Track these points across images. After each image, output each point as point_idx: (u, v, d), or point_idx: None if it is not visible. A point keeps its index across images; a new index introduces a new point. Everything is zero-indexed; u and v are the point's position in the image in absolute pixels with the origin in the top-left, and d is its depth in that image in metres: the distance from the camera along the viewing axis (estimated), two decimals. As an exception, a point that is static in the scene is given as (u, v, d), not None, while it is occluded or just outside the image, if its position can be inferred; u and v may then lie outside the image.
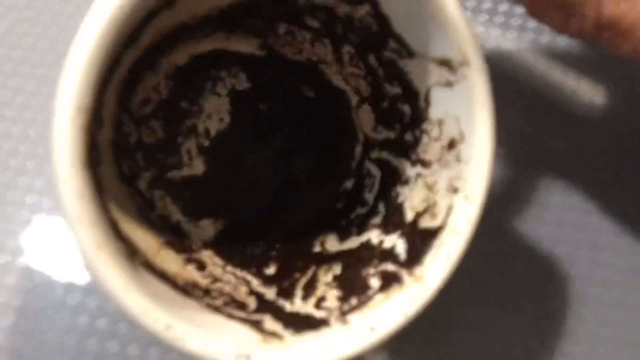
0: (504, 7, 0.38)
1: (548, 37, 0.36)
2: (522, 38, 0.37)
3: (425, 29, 0.23)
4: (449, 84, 0.23)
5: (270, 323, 0.23)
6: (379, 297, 0.23)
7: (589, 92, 0.36)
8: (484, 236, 0.33)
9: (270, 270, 0.28)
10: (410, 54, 0.25)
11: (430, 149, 0.25)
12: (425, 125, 0.26)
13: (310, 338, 0.22)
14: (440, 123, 0.25)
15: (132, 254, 0.22)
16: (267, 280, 0.27)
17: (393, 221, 0.27)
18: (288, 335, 0.22)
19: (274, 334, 0.22)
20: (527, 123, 0.36)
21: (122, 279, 0.19)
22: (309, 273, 0.27)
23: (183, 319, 0.20)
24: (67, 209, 0.18)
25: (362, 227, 0.28)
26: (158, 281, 0.23)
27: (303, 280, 0.27)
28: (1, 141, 0.35)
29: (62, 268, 0.32)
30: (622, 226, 0.34)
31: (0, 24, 0.37)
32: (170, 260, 0.26)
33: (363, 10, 0.25)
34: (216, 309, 0.23)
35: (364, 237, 0.28)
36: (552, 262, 0.33)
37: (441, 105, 0.24)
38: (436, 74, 0.24)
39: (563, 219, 0.34)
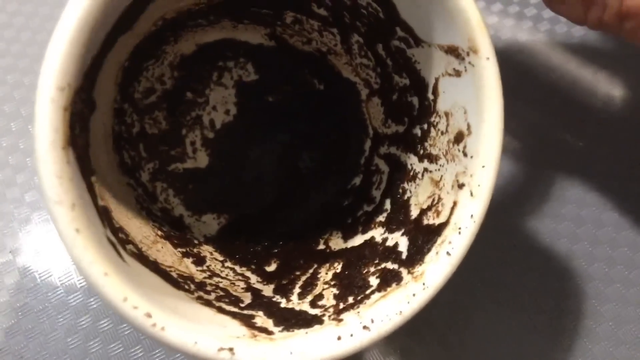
0: None
1: (564, 27, 0.34)
2: (538, 28, 0.35)
3: (432, 15, 0.22)
4: (457, 73, 0.22)
5: (261, 319, 0.22)
6: (376, 296, 0.22)
7: (607, 85, 0.35)
8: (499, 233, 0.32)
9: (271, 267, 0.27)
10: (418, 42, 0.24)
11: (438, 142, 0.24)
12: (433, 118, 0.24)
13: (300, 335, 0.21)
14: (447, 115, 0.23)
15: (122, 242, 0.21)
16: (267, 277, 0.27)
17: (398, 218, 0.25)
18: (277, 331, 0.21)
19: (263, 330, 0.21)
20: (543, 117, 0.34)
21: (102, 264, 0.18)
22: (310, 271, 0.26)
23: (167, 309, 0.19)
24: (46, 189, 0.18)
25: (367, 225, 0.27)
26: (148, 271, 0.22)
27: (303, 278, 0.26)
28: (18, 141, 0.34)
29: (64, 268, 0.32)
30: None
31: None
32: (166, 253, 0.25)
33: (369, -5, 0.24)
34: (207, 303, 0.22)
35: (368, 235, 0.27)
36: (570, 260, 0.32)
37: (449, 96, 0.23)
38: (444, 63, 0.23)
39: (581, 216, 0.33)
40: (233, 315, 0.22)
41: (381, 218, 0.27)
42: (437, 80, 0.24)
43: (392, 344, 0.31)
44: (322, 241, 0.28)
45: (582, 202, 0.33)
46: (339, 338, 0.20)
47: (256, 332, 0.21)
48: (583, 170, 0.34)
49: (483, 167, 0.21)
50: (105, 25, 0.20)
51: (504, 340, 0.31)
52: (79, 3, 0.18)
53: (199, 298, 0.23)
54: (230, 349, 0.19)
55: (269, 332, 0.21)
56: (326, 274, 0.26)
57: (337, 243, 0.27)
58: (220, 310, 0.22)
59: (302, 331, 0.21)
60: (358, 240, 0.27)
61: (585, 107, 0.34)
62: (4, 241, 0.32)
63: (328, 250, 0.27)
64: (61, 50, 0.18)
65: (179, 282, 0.23)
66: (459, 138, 0.23)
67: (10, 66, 0.35)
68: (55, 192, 0.18)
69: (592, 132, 0.34)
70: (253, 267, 0.27)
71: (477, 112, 0.22)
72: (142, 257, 0.23)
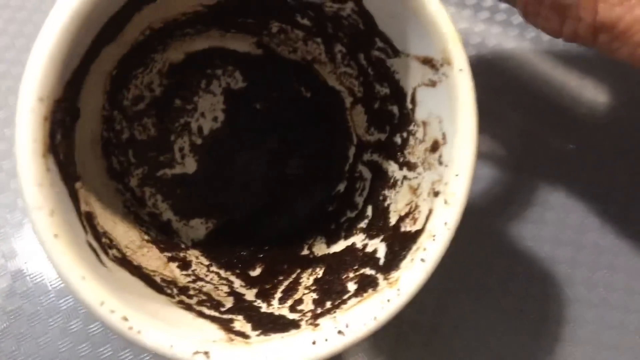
0: (505, 4, 0.37)
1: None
2: (524, 36, 0.36)
3: (407, 27, 0.22)
4: (432, 84, 0.23)
5: (240, 323, 0.23)
6: (353, 301, 0.23)
7: (592, 92, 0.35)
8: (483, 238, 0.33)
9: (255, 272, 0.28)
10: (396, 52, 0.24)
11: (416, 151, 0.25)
12: (411, 127, 0.25)
13: (276, 339, 0.21)
14: (424, 124, 0.24)
15: (104, 247, 0.22)
16: (250, 282, 0.27)
17: (378, 225, 0.26)
18: (254, 335, 0.22)
19: (240, 334, 0.22)
20: (529, 122, 0.35)
21: (80, 269, 0.19)
22: (293, 276, 0.27)
23: (145, 313, 0.20)
24: (26, 196, 0.18)
25: (349, 231, 0.28)
26: (130, 276, 0.23)
27: (285, 283, 0.26)
28: (12, 147, 0.34)
29: (55, 272, 0.32)
30: (624, 228, 0.33)
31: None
32: (151, 257, 0.26)
33: (348, 7, 0.24)
34: (187, 307, 0.23)
35: (349, 241, 0.27)
36: (553, 265, 0.33)
37: (426, 105, 0.24)
38: (420, 73, 0.23)
39: (564, 221, 0.34)
40: (212, 319, 0.23)
41: (362, 224, 0.27)
42: (414, 90, 0.24)
43: (378, 347, 0.32)
44: (306, 246, 0.29)
45: (565, 207, 0.34)
46: (313, 342, 0.21)
47: (233, 336, 0.21)
48: (567, 176, 0.34)
49: (457, 175, 0.22)
50: (87, 37, 0.20)
51: (488, 343, 0.31)
52: (58, 16, 0.19)
53: (180, 302, 0.23)
54: (206, 353, 0.20)
55: (245, 336, 0.22)
56: (308, 279, 0.26)
57: (320, 248, 0.28)
58: (200, 314, 0.23)
59: (279, 335, 0.22)
60: (340, 246, 0.27)
61: (571, 113, 0.35)
62: (-1, 247, 0.33)
63: (311, 256, 0.28)
64: (41, 62, 0.18)
65: (162, 287, 0.24)
66: (434, 147, 0.23)
67: (3, 73, 0.36)
68: (34, 198, 0.18)
69: (576, 137, 0.35)
70: (238, 271, 0.28)
71: (451, 121, 0.22)
72: (125, 262, 0.23)
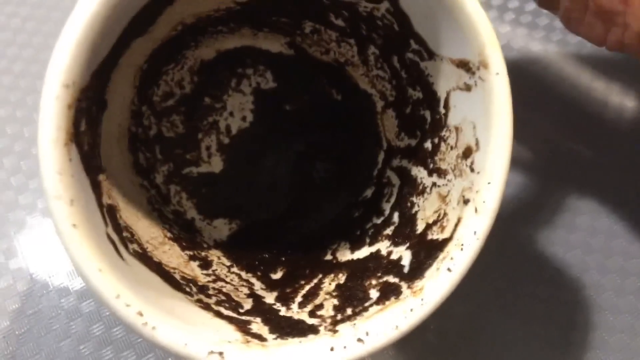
0: (531, 5, 0.36)
1: (577, 37, 0.34)
2: (550, 38, 0.35)
3: (444, 29, 0.22)
4: (467, 88, 0.22)
5: (258, 325, 0.22)
6: (374, 309, 0.22)
7: (619, 96, 0.34)
8: (512, 243, 0.32)
9: (277, 275, 0.27)
10: (430, 55, 0.23)
11: (447, 157, 0.24)
12: (443, 132, 0.24)
13: (293, 344, 0.21)
14: (457, 130, 0.23)
15: (124, 241, 0.22)
16: (271, 285, 0.27)
17: (404, 232, 0.25)
18: (271, 338, 0.21)
19: (257, 336, 0.21)
20: (556, 126, 0.34)
21: (97, 261, 0.18)
22: (315, 281, 0.26)
23: (162, 309, 0.20)
24: (46, 184, 0.18)
25: (374, 238, 0.27)
26: (149, 272, 0.22)
27: (306, 288, 0.26)
28: (13, 143, 0.34)
29: (77, 275, 0.32)
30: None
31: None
32: (172, 255, 0.25)
33: (383, 7, 0.24)
34: (206, 306, 0.23)
35: (374, 248, 0.26)
36: (583, 271, 0.32)
37: (459, 110, 0.23)
38: (455, 76, 0.22)
39: (594, 227, 0.33)
40: (229, 320, 0.22)
41: (388, 231, 0.26)
42: (448, 94, 0.23)
43: (404, 354, 0.31)
44: (329, 251, 0.28)
45: (595, 212, 0.33)
46: (331, 349, 0.20)
47: (249, 338, 0.21)
48: (596, 181, 0.33)
49: (489, 183, 0.21)
50: (117, 27, 0.20)
51: (516, 351, 0.31)
52: (87, 5, 0.18)
53: (199, 301, 0.23)
54: (220, 353, 0.19)
55: (262, 339, 0.21)
56: (329, 284, 0.25)
57: (344, 254, 0.27)
58: (218, 314, 0.22)
59: (296, 340, 0.21)
60: (364, 252, 0.27)
61: (598, 117, 0.34)
62: (17, 247, 0.32)
63: (334, 261, 0.27)
64: (68, 49, 0.18)
65: (181, 284, 0.23)
66: (467, 153, 0.22)
67: (21, 72, 0.36)
68: (54, 187, 0.18)
69: (604, 142, 0.34)
70: (259, 273, 0.27)
71: (485, 127, 0.21)
72: (145, 257, 0.23)
